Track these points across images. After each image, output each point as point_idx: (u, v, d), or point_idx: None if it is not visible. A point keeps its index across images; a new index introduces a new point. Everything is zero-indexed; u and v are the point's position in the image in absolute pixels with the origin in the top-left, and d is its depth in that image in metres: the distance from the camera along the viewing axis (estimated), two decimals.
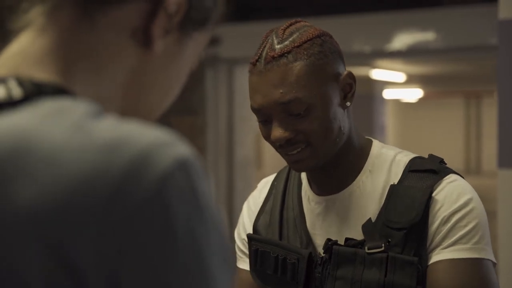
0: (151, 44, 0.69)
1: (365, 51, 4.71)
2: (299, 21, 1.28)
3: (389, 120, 13.43)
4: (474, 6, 4.29)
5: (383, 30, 4.57)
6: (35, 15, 0.68)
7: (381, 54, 4.93)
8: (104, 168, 0.56)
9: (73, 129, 0.59)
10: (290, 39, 1.23)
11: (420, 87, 13.14)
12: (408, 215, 1.21)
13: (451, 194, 1.23)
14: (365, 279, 1.21)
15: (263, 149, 9.73)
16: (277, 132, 1.22)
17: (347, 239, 1.25)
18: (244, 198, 1.52)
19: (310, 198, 1.33)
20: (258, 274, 1.36)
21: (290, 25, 1.26)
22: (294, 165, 1.27)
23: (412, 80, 10.71)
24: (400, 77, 9.51)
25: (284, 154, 1.26)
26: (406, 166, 1.27)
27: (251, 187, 5.09)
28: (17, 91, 0.62)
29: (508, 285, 2.56)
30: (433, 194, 1.23)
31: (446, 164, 1.30)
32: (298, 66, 1.20)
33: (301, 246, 1.30)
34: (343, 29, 4.70)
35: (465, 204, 1.23)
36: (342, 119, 1.25)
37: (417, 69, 9.01)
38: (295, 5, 5.01)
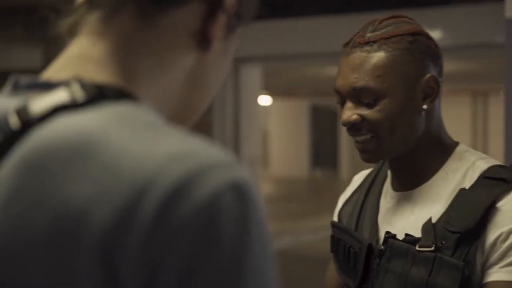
0: (209, 45, 0.70)
1: None
2: (402, 16, 1.30)
3: None
4: (481, 5, 4.28)
5: None
6: (91, 19, 0.69)
7: None
8: (159, 179, 0.56)
9: (136, 137, 0.59)
10: (383, 30, 1.25)
11: None
12: (465, 220, 1.19)
13: None
14: (412, 275, 1.22)
15: (270, 148, 9.72)
16: (345, 114, 1.26)
17: (406, 235, 1.26)
18: None
19: (387, 193, 1.36)
20: (335, 259, 1.41)
21: (391, 17, 1.28)
22: (361, 155, 1.30)
23: None
24: None
25: (354, 142, 1.29)
26: (482, 172, 1.24)
27: (257, 185, 5.07)
28: (80, 94, 0.62)
29: None
30: (498, 204, 1.19)
31: None
32: (378, 56, 1.23)
33: (369, 237, 1.33)
34: (349, 28, 4.69)
35: None
36: (415, 119, 1.25)
37: None
38: (301, 3, 5.01)
